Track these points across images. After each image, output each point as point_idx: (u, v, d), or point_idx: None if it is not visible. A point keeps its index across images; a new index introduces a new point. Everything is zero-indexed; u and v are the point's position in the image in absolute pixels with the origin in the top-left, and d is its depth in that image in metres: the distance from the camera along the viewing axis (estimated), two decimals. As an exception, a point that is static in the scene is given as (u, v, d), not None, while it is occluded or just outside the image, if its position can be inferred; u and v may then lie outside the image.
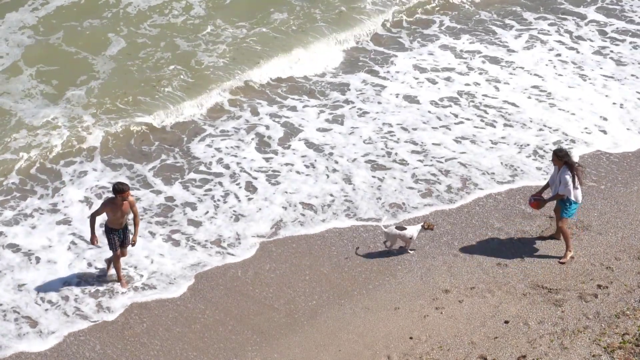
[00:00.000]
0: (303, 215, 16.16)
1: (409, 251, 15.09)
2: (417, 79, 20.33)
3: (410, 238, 14.94)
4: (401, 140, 18.15)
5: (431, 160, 17.54)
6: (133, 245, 14.45)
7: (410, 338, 13.39)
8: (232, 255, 15.24)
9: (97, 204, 16.33)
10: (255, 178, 17.20)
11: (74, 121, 18.55)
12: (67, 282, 14.70)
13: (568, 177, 14.24)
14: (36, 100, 19.19)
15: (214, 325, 13.87)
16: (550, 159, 15.30)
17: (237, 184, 17.03)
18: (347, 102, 19.54)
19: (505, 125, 18.58)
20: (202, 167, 17.51)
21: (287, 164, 17.58)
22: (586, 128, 18.37)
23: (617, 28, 22.18)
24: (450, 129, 18.50)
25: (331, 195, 16.68)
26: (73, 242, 15.54)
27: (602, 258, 14.69)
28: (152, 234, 15.73)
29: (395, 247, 15.14)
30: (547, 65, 20.68)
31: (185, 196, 16.72)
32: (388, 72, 20.66)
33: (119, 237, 14.22)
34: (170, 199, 16.67)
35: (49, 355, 13.45)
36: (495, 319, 13.60)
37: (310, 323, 13.84)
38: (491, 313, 13.72)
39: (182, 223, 16.04)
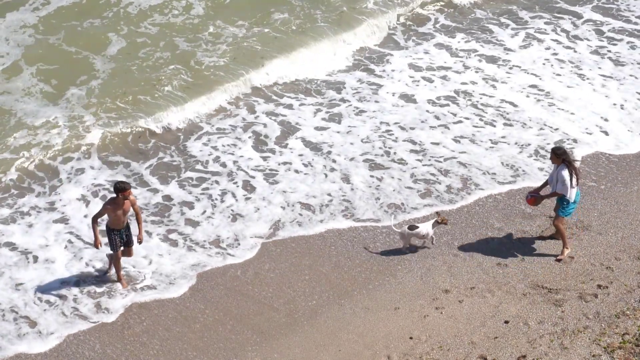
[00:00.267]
0: (301, 215, 16.10)
1: (432, 244, 15.11)
2: (412, 77, 20.30)
3: (426, 235, 14.93)
4: (399, 140, 18.09)
5: (430, 160, 17.48)
6: (140, 242, 14.42)
7: (410, 338, 13.36)
8: (233, 256, 15.17)
9: (94, 202, 16.28)
10: (253, 177, 17.14)
11: (73, 121, 18.48)
12: (65, 281, 14.62)
13: (566, 175, 14.23)
14: (36, 99, 19.12)
15: (213, 325, 13.82)
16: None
17: (235, 183, 16.97)
18: (343, 100, 19.50)
19: (505, 124, 18.53)
20: (198, 166, 17.45)
21: (284, 163, 17.52)
22: (587, 128, 18.33)
23: (614, 27, 22.18)
24: (448, 128, 18.46)
25: (329, 195, 16.62)
26: (70, 241, 15.47)
27: (602, 258, 14.68)
28: (149, 233, 15.65)
29: (415, 243, 15.10)
30: (544, 64, 20.68)
31: (182, 195, 16.65)
32: (384, 70, 20.63)
33: (120, 238, 14.16)
34: (167, 197, 16.61)
35: (48, 355, 13.38)
36: (495, 319, 13.59)
37: (310, 323, 13.79)
38: (491, 313, 13.70)
39: (179, 223, 15.97)
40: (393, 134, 18.28)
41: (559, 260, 14.67)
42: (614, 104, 19.15)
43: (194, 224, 15.95)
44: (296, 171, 17.29)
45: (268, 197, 16.56)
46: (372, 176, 17.08)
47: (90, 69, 20.11)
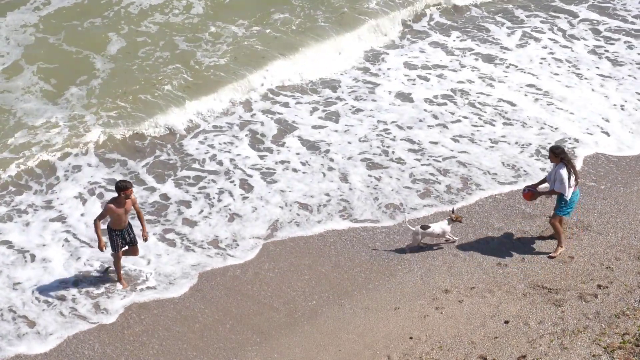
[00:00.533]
0: (299, 215, 16.03)
1: (454, 239, 15.11)
2: (408, 76, 20.27)
3: (441, 233, 14.91)
4: (397, 139, 18.04)
5: (428, 159, 17.43)
6: (145, 240, 14.37)
7: (410, 338, 13.32)
8: (233, 257, 15.08)
9: (91, 200, 16.19)
10: (250, 176, 17.06)
11: (74, 120, 18.40)
12: (64, 281, 14.56)
13: (564, 174, 14.22)
14: (36, 98, 19.04)
15: (213, 325, 13.77)
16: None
17: (232, 182, 16.89)
18: (339, 99, 19.46)
19: (504, 124, 18.50)
20: (195, 165, 17.37)
21: (282, 162, 17.46)
22: (587, 129, 18.28)
23: (610, 27, 22.19)
24: (447, 127, 18.42)
25: (327, 194, 16.55)
26: (67, 240, 15.40)
27: (602, 258, 14.67)
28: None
29: (428, 243, 15.08)
30: (541, 63, 20.66)
31: (179, 194, 16.58)
32: (379, 69, 20.60)
33: (122, 238, 14.09)
34: (164, 196, 16.53)
35: (48, 355, 13.31)
36: (495, 319, 13.56)
37: (310, 323, 13.75)
38: (491, 313, 13.68)
39: (176, 222, 15.90)
40: (391, 133, 18.22)
41: (551, 257, 14.67)
42: (614, 105, 19.10)
43: (191, 223, 15.88)
44: (294, 170, 17.22)
45: (265, 197, 16.49)
46: (370, 176, 17.01)
47: (90, 69, 20.07)
